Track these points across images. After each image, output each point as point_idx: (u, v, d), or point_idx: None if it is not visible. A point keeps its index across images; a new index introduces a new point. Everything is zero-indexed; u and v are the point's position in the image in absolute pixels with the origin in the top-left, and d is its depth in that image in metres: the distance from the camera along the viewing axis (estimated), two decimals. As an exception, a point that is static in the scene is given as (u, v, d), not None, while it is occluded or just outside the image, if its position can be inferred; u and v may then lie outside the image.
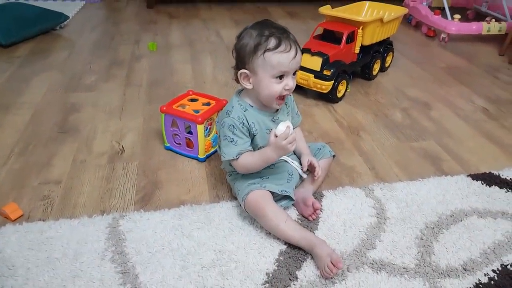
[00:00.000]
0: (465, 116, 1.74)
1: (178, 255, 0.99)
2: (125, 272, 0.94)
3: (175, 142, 1.37)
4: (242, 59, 1.01)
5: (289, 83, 1.02)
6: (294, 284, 0.92)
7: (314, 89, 1.74)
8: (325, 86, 1.70)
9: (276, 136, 1.00)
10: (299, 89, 1.85)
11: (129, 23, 2.84)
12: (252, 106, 1.07)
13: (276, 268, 0.96)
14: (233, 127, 1.04)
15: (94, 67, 2.09)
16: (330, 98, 1.77)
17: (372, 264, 0.98)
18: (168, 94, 1.77)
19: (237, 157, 1.05)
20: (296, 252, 1.01)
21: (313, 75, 1.71)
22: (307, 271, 0.96)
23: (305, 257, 0.99)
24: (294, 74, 1.03)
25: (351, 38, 1.79)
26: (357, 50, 1.82)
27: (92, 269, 0.95)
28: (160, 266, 0.96)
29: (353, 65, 1.86)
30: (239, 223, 1.09)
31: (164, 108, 1.32)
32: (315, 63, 1.71)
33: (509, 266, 0.99)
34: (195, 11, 3.17)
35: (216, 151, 1.40)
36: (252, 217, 1.09)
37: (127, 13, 3.07)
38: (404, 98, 1.89)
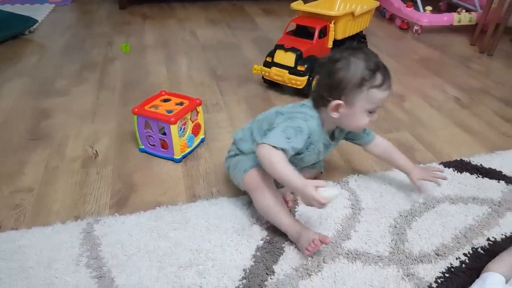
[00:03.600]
0: (438, 106, 1.79)
1: (154, 257, 1.00)
2: (100, 277, 0.94)
3: (149, 143, 1.37)
4: (340, 89, 0.96)
5: (375, 116, 1.02)
6: (271, 278, 0.94)
7: (289, 85, 1.76)
8: (300, 81, 1.72)
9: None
10: (275, 86, 1.87)
11: (101, 25, 2.82)
12: (321, 126, 1.04)
13: (253, 263, 0.98)
14: (300, 132, 0.99)
15: (65, 71, 2.07)
16: (305, 93, 1.79)
17: (348, 254, 1.00)
18: (142, 96, 1.76)
19: (280, 149, 0.95)
20: (273, 246, 1.02)
21: (287, 71, 1.73)
22: (284, 265, 0.98)
23: (282, 251, 1.01)
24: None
25: (324, 33, 1.82)
26: (330, 44, 1.85)
27: (67, 276, 0.95)
28: (137, 269, 0.96)
29: (326, 59, 1.88)
30: (216, 221, 1.11)
31: (136, 110, 1.32)
32: (289, 59, 1.73)
33: (479, 249, 1.03)
34: (170, 11, 3.16)
35: (192, 151, 1.40)
36: (229, 215, 1.11)
37: (99, 15, 3.04)
38: (379, 90, 1.93)
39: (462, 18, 2.62)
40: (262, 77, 1.89)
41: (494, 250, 1.02)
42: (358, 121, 1.01)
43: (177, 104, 1.37)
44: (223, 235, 1.06)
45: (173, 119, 1.26)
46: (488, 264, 0.94)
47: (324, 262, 0.98)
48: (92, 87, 1.91)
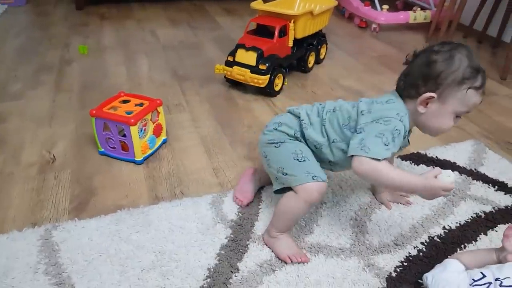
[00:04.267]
0: (396, 101, 1.85)
1: (116, 261, 0.98)
2: (60, 283, 0.92)
3: (109, 146, 1.35)
4: (438, 81, 0.89)
5: (458, 121, 0.95)
6: (235, 276, 0.95)
7: (252, 83, 1.77)
8: (262, 80, 1.74)
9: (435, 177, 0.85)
10: (238, 85, 1.88)
11: (57, 26, 2.73)
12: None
13: (218, 262, 0.98)
14: (398, 134, 0.90)
15: (20, 74, 1.99)
16: (268, 92, 1.81)
17: (310, 248, 1.03)
18: (101, 98, 1.71)
19: (382, 160, 0.88)
20: (237, 244, 1.03)
21: (249, 70, 1.75)
22: (248, 262, 0.98)
23: (246, 248, 1.02)
24: None
25: (284, 32, 1.84)
26: (290, 43, 1.88)
27: (24, 284, 0.92)
28: (98, 274, 0.95)
29: (288, 58, 1.91)
30: (180, 222, 1.10)
31: (94, 112, 1.29)
32: (250, 58, 1.74)
33: (435, 238, 1.08)
34: (129, 11, 3.10)
35: (154, 152, 1.39)
36: (192, 215, 1.11)
37: (55, 16, 2.94)
38: (339, 88, 1.98)
39: (417, 16, 2.73)
40: (224, 77, 1.90)
41: (449, 238, 1.07)
42: (443, 123, 0.93)
43: (136, 105, 1.35)
44: (187, 236, 1.06)
45: (132, 121, 1.25)
46: (454, 253, 0.98)
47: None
48: (48, 90, 1.85)
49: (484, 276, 0.82)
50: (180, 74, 2.05)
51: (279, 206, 1.01)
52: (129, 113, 1.29)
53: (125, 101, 1.38)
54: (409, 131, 1.00)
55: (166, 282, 0.93)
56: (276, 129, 1.05)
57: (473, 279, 0.82)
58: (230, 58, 1.81)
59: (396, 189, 0.92)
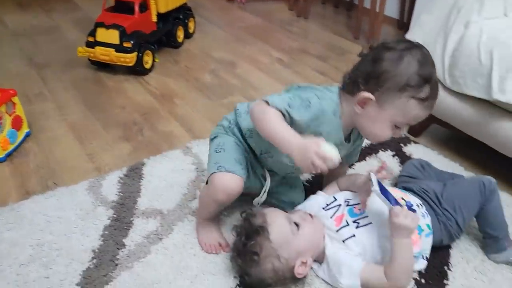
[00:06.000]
0: (265, 68, 2.00)
1: (-12, 262, 0.94)
2: None
3: (-40, 146, 1.24)
4: (379, 82, 0.81)
5: (398, 133, 0.88)
6: (122, 251, 0.98)
7: (119, 63, 1.75)
8: (129, 58, 1.73)
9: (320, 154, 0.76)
10: (107, 66, 1.84)
11: None
12: (338, 118, 0.88)
13: (102, 242, 1.00)
14: (307, 106, 0.83)
15: None
16: (138, 70, 1.81)
17: (194, 212, 1.10)
18: None
19: (277, 109, 0.81)
20: (120, 222, 1.06)
21: (114, 49, 1.72)
22: (134, 237, 1.02)
23: (131, 225, 1.06)
24: None
25: (145, 7, 1.84)
26: (154, 18, 1.88)
27: None
28: (-32, 280, 0.90)
29: (154, 34, 1.92)
30: (57, 213, 1.08)
31: None
32: (112, 36, 1.71)
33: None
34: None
35: (17, 147, 1.31)
36: (70, 203, 1.10)
37: None
38: (212, 60, 2.05)
39: (278, -14, 2.92)
40: (89, 59, 1.83)
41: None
42: (379, 130, 0.86)
43: (-13, 97, 1.26)
44: (66, 224, 1.05)
45: (-16, 114, 1.16)
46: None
47: (173, 225, 1.06)
48: None
49: (335, 199, 0.98)
50: (38, 62, 1.92)
51: (200, 193, 1.05)
52: (-22, 106, 1.20)
53: (-28, 95, 1.27)
54: (350, 134, 0.95)
55: (49, 272, 0.92)
56: (218, 124, 1.06)
57: (326, 204, 0.98)
58: (91, 39, 1.75)
59: (272, 139, 0.81)
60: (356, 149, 1.04)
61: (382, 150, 1.39)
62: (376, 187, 0.86)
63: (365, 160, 1.35)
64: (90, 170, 1.27)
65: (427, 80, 0.81)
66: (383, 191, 0.88)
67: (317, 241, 0.92)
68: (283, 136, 0.79)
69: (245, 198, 1.02)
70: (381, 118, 0.84)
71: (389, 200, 0.87)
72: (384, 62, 0.81)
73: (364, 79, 0.84)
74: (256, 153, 1.00)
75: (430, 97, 0.82)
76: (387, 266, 0.87)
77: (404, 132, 0.77)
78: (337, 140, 0.90)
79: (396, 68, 0.80)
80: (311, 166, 0.75)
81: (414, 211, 0.96)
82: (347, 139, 0.95)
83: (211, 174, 0.92)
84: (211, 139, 1.03)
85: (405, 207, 0.89)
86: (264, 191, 1.02)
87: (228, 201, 0.93)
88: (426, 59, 0.82)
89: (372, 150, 1.39)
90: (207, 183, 0.95)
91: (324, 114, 0.86)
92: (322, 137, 0.80)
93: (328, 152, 0.74)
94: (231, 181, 0.90)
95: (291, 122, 0.83)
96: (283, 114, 0.81)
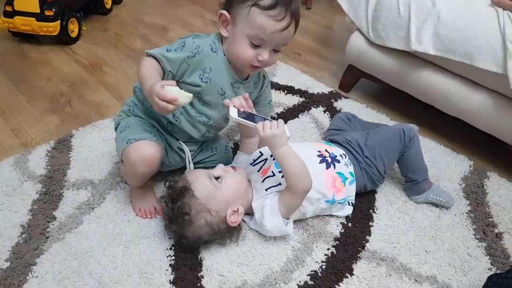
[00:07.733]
0: (199, 31, 1.96)
1: None
2: None
3: None
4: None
5: (264, 55, 0.87)
6: (53, 224, 0.98)
7: (42, 33, 1.66)
8: (52, 27, 1.65)
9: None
10: (30, 37, 1.74)
11: None
12: (225, 55, 0.92)
13: (31, 217, 0.99)
14: (182, 46, 0.88)
15: None
16: (63, 40, 1.73)
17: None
18: None
19: (149, 55, 0.87)
20: (50, 195, 1.05)
21: (34, 19, 1.63)
22: (65, 208, 1.02)
23: (61, 197, 1.05)
24: (278, 50, 0.90)
25: (65, -29, 1.74)
26: (75, -18, 1.79)
27: None
28: None
29: (79, 0, 1.83)
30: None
31: None
32: (32, 4, 1.62)
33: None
34: None
35: None
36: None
37: None
38: (143, 26, 2.00)
39: None
40: (9, 30, 1.73)
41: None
42: (240, 48, 0.87)
43: None
44: (-11, 203, 1.03)
45: None
46: None
47: (105, 194, 1.06)
48: None
49: (261, 154, 1.02)
50: (-50, 35, 1.79)
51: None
52: None
53: None
54: (248, 77, 0.98)
55: (-26, 252, 0.91)
56: (119, 111, 1.05)
57: (254, 160, 1.02)
58: (8, 8, 1.65)
59: (141, 87, 0.86)
60: (263, 95, 1.07)
61: (314, 107, 1.44)
62: (233, 114, 0.88)
63: (298, 117, 1.40)
64: (16, 145, 1.23)
65: None
66: (249, 116, 0.90)
67: (242, 189, 0.97)
68: (143, 82, 0.84)
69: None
70: (237, 35, 0.87)
71: (254, 121, 0.89)
72: None
73: (225, 1, 0.89)
74: (165, 124, 1.00)
75: (275, 6, 0.82)
76: (285, 180, 0.91)
77: (267, 56, 0.87)
78: (232, 80, 0.95)
79: None
80: (157, 107, 0.79)
81: (338, 161, 1.02)
82: (244, 78, 0.98)
83: (123, 151, 0.92)
84: (115, 128, 1.02)
85: (268, 120, 0.90)
86: (189, 162, 1.04)
87: (150, 170, 0.94)
88: None
89: (304, 107, 1.44)
90: (122, 162, 0.95)
91: (201, 51, 0.89)
92: (211, 73, 0.89)
93: (170, 93, 0.78)
94: (145, 147, 0.91)
95: (169, 63, 0.87)
96: (158, 59, 0.86)
